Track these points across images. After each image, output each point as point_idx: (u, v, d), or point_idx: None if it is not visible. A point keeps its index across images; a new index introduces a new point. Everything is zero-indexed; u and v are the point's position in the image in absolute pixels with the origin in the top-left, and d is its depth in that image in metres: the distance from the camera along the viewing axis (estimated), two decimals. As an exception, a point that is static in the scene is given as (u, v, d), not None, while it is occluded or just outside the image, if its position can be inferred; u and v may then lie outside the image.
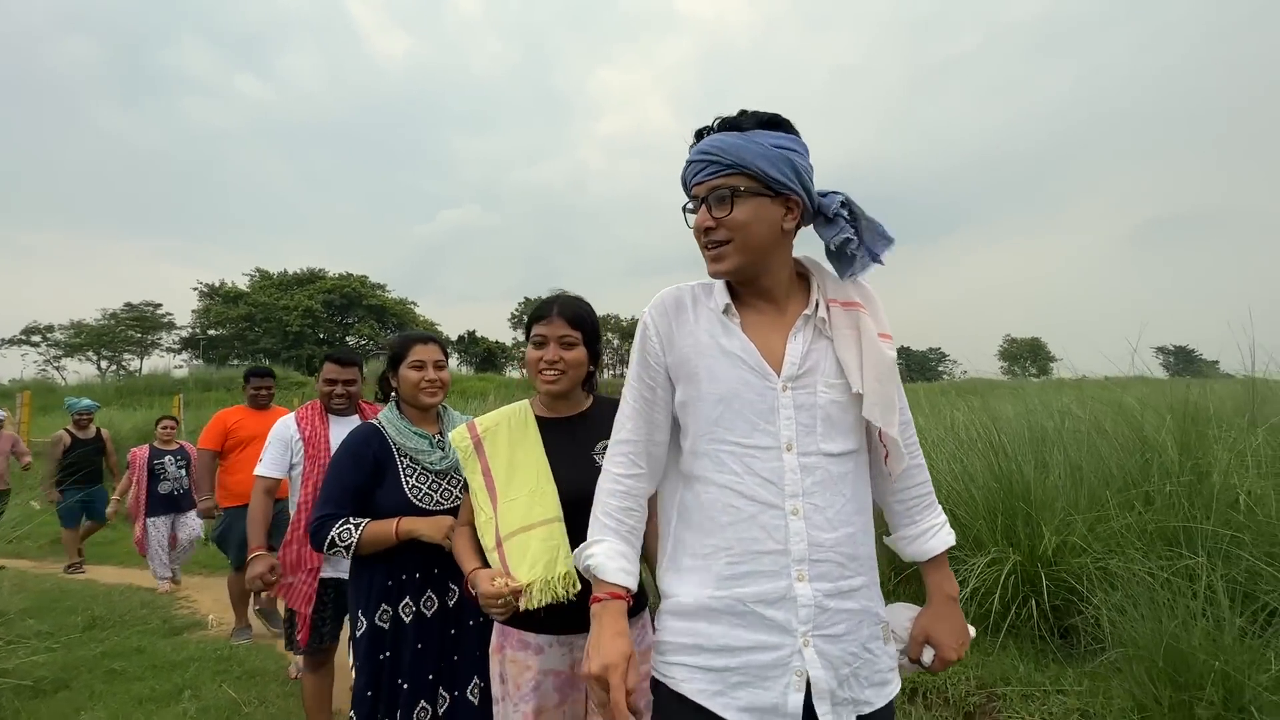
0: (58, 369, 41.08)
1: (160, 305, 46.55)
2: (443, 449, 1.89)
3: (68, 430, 6.18)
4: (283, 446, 2.44)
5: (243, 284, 45.40)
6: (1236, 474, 2.91)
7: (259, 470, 2.45)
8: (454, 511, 1.78)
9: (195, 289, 45.47)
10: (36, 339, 43.45)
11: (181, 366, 36.86)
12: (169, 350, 46.51)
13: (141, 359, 45.44)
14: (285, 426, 2.46)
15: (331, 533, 1.69)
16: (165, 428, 5.70)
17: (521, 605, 1.38)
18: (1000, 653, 2.83)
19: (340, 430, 2.36)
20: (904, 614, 1.20)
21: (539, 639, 1.45)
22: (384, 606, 1.73)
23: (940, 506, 1.23)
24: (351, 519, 1.72)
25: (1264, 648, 2.20)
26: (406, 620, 1.73)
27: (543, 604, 1.37)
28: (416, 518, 1.73)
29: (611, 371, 60.67)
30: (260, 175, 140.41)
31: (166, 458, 5.42)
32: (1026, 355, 64.07)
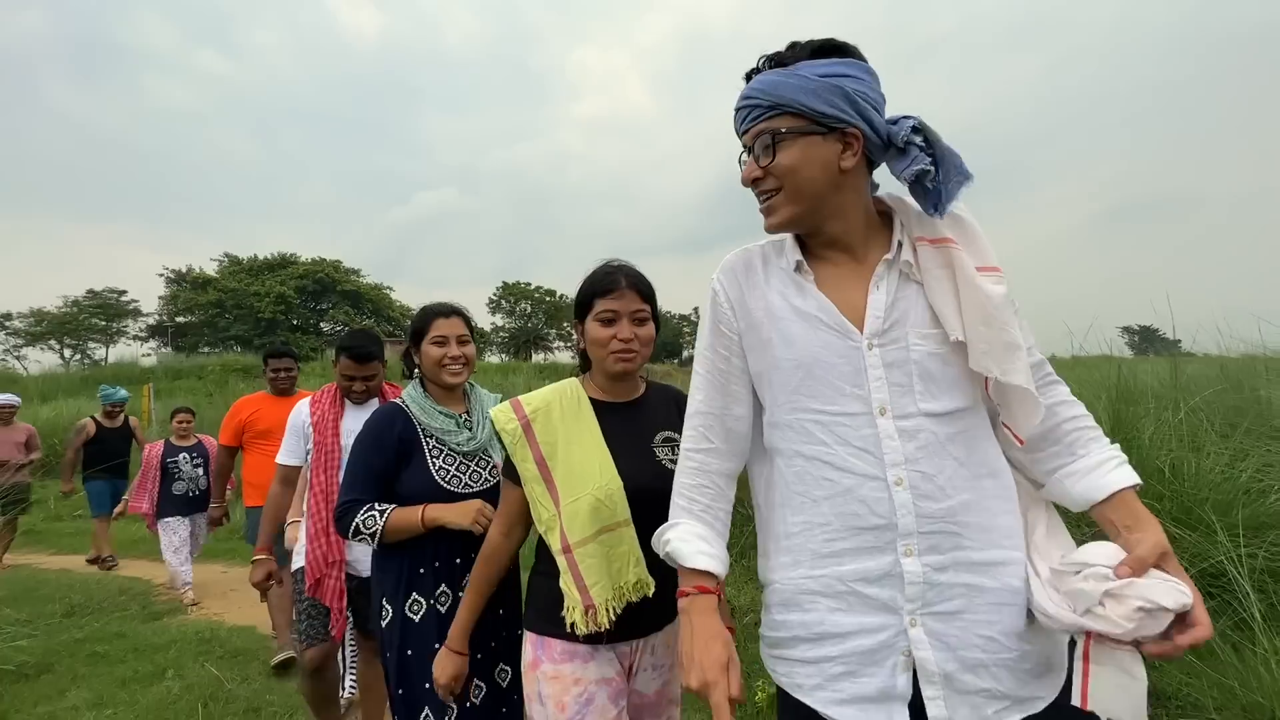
0: (18, 359, 39.78)
1: (125, 292, 45.20)
2: (470, 429, 1.78)
3: (94, 419, 5.95)
4: (297, 433, 2.33)
5: (211, 269, 44.28)
6: (1163, 447, 3.16)
7: (278, 458, 2.36)
8: (484, 495, 1.69)
9: (161, 275, 44.27)
10: (-6, 327, 41.95)
11: (149, 355, 35.94)
12: (135, 338, 45.31)
13: (107, 347, 44.20)
14: (299, 412, 2.35)
15: (356, 519, 1.60)
16: (181, 421, 5.14)
17: (582, 626, 1.22)
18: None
19: (358, 416, 2.25)
20: (1100, 553, 0.86)
21: (585, 646, 1.27)
22: (415, 596, 1.62)
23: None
24: (376, 505, 1.62)
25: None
26: (443, 610, 1.61)
27: (613, 617, 1.22)
28: (442, 505, 1.62)
29: (591, 356, 60.40)
30: (227, 156, 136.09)
31: (181, 455, 4.94)
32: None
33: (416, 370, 1.85)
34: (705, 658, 0.91)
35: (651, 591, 1.25)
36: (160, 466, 4.92)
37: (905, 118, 0.95)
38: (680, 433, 1.13)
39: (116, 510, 5.65)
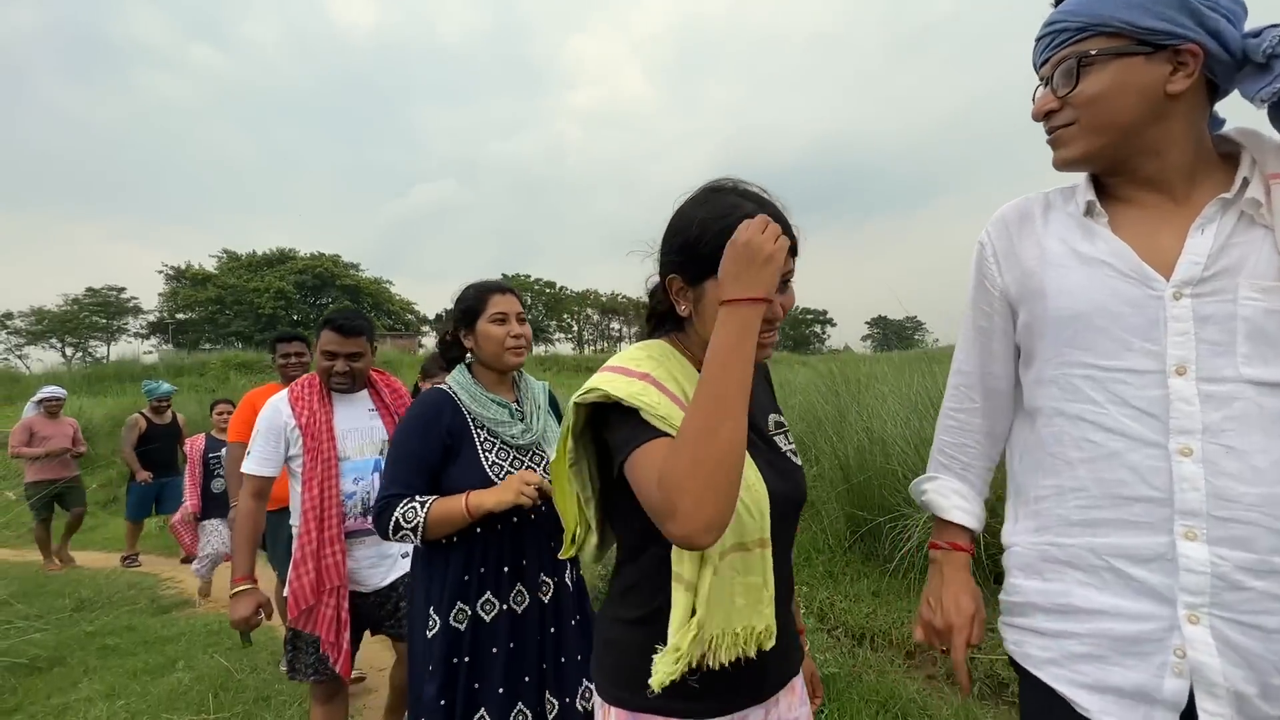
0: (20, 357, 39.87)
1: (124, 289, 45.33)
2: (523, 419, 1.62)
3: (143, 414, 5.71)
4: (274, 435, 1.95)
5: (210, 266, 44.26)
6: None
7: (245, 467, 1.95)
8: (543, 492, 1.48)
9: (161, 271, 44.29)
10: (-5, 327, 42.03)
11: (151, 352, 36.04)
12: (136, 335, 45.42)
13: (108, 345, 44.30)
14: (275, 411, 1.97)
15: (396, 514, 1.42)
16: (221, 413, 4.71)
17: (675, 667, 0.83)
18: (941, 598, 3.09)
19: (348, 412, 2.03)
20: None
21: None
22: (459, 605, 1.47)
23: None
24: (417, 497, 1.45)
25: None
26: (487, 618, 1.47)
27: (726, 661, 0.86)
28: (483, 490, 1.45)
29: (592, 347, 60.69)
30: (223, 151, 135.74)
31: (224, 450, 4.23)
32: (999, 322, 65.33)
33: (468, 356, 1.66)
34: (954, 605, 0.91)
35: (774, 643, 0.89)
36: (202, 462, 4.54)
37: (1271, 27, 0.78)
38: (778, 411, 1.06)
39: (175, 517, 4.94)
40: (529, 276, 57.85)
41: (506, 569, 1.50)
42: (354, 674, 2.94)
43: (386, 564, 2.02)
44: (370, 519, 1.55)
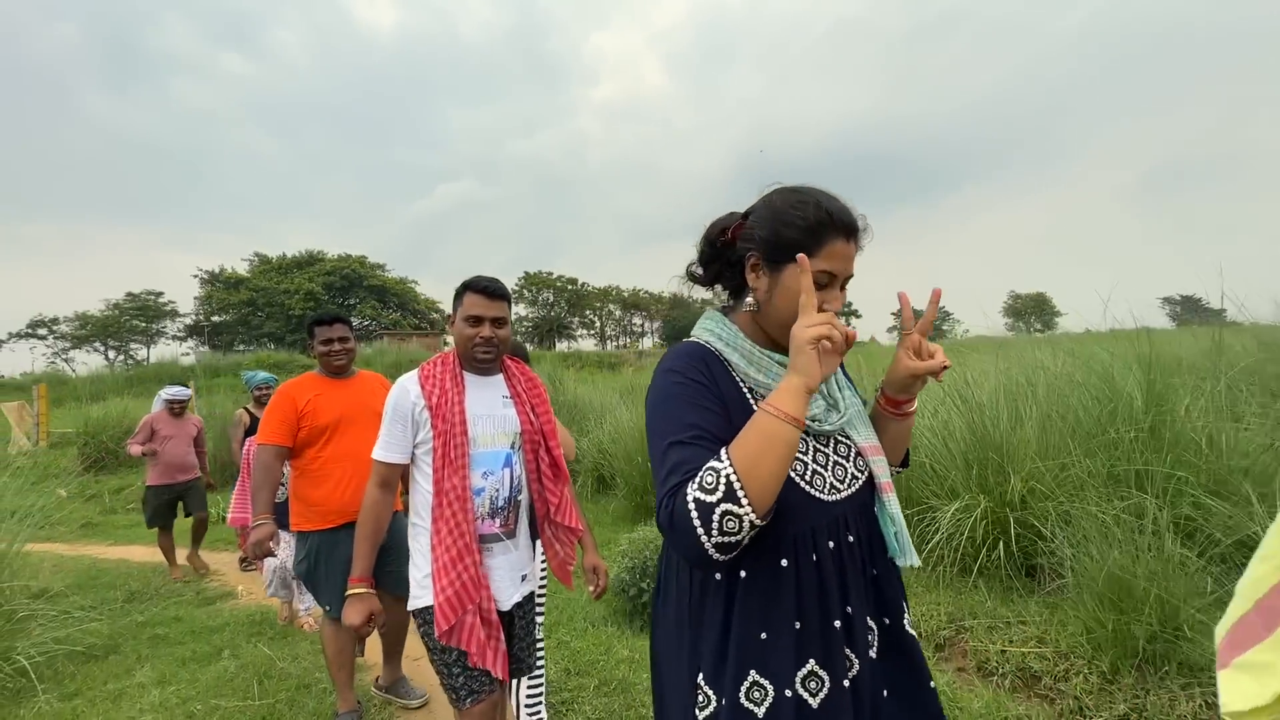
0: (66, 361, 41.56)
1: (162, 293, 46.84)
2: (827, 396, 1.07)
3: (247, 410, 5.08)
4: (404, 420, 1.70)
5: (242, 269, 45.47)
6: (1201, 419, 3.09)
7: (376, 453, 1.73)
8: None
9: (196, 276, 45.62)
10: (43, 332, 43.90)
11: (188, 354, 37.22)
12: (174, 338, 46.96)
13: (148, 348, 45.89)
14: (403, 391, 1.72)
15: (690, 496, 0.87)
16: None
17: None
18: (971, 591, 3.07)
19: (480, 396, 1.76)
20: None
21: None
22: (754, 676, 0.94)
23: None
24: (718, 460, 0.88)
25: (1202, 574, 2.42)
26: (814, 700, 0.93)
27: None
28: (788, 375, 0.91)
29: (615, 343, 60.84)
30: (253, 156, 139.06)
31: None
32: (1031, 311, 63.90)
33: (748, 301, 1.06)
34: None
35: None
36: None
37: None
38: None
39: (230, 519, 4.44)
40: (550, 273, 58.19)
41: (837, 621, 0.96)
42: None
43: (516, 576, 1.75)
44: (662, 524, 0.92)
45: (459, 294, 1.80)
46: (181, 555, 5.43)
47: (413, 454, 1.73)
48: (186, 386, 5.56)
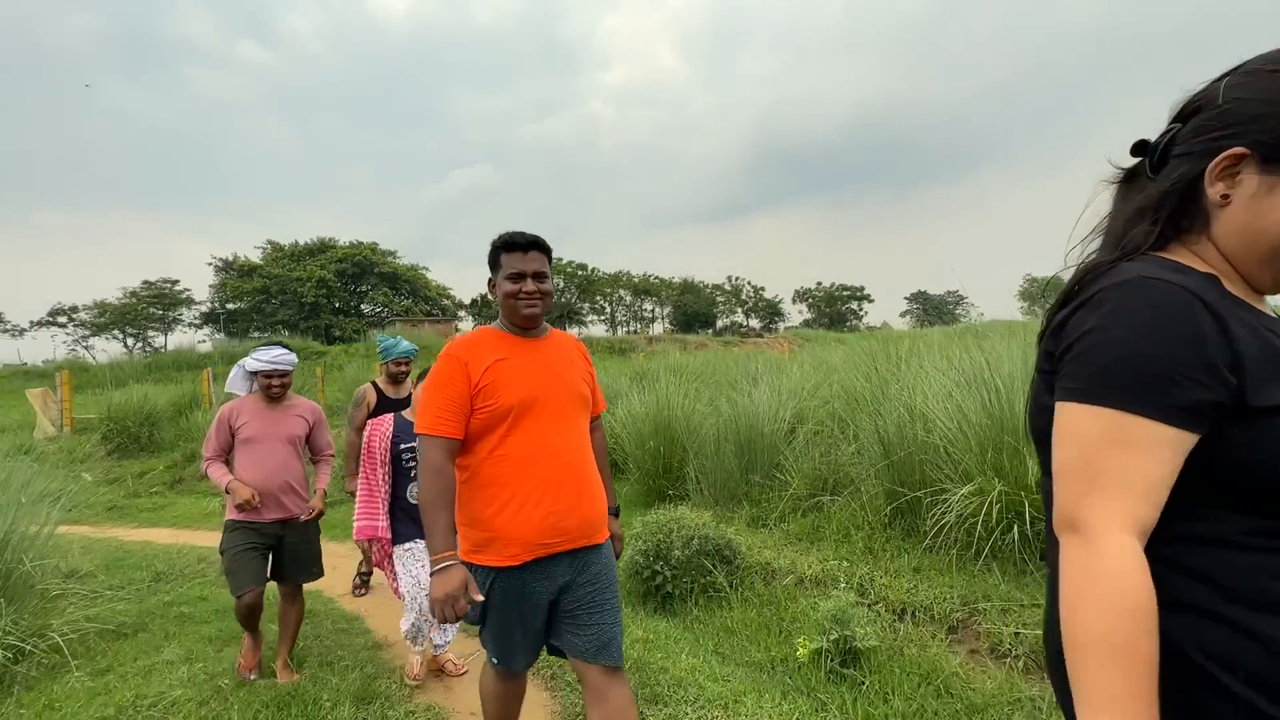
0: (86, 349, 42.31)
1: (178, 281, 47.38)
2: None
3: (375, 385, 3.90)
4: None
5: (256, 257, 45.83)
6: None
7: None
8: None
9: (210, 264, 46.02)
10: (63, 320, 44.70)
11: (205, 341, 37.74)
12: (191, 325, 47.57)
13: (165, 335, 46.57)
14: None
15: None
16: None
17: None
18: (984, 574, 3.07)
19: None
20: None
21: None
22: None
23: None
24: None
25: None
26: None
27: None
28: None
29: (625, 329, 60.83)
30: (268, 144, 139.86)
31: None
32: (1048, 294, 62.94)
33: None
34: None
35: None
36: (391, 456, 2.90)
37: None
38: None
39: (357, 530, 2.91)
40: (561, 259, 58.11)
41: None
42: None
43: None
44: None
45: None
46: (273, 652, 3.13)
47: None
48: (287, 348, 3.09)
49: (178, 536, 6.39)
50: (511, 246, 1.79)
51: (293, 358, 3.07)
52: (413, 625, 2.85)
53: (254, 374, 3.03)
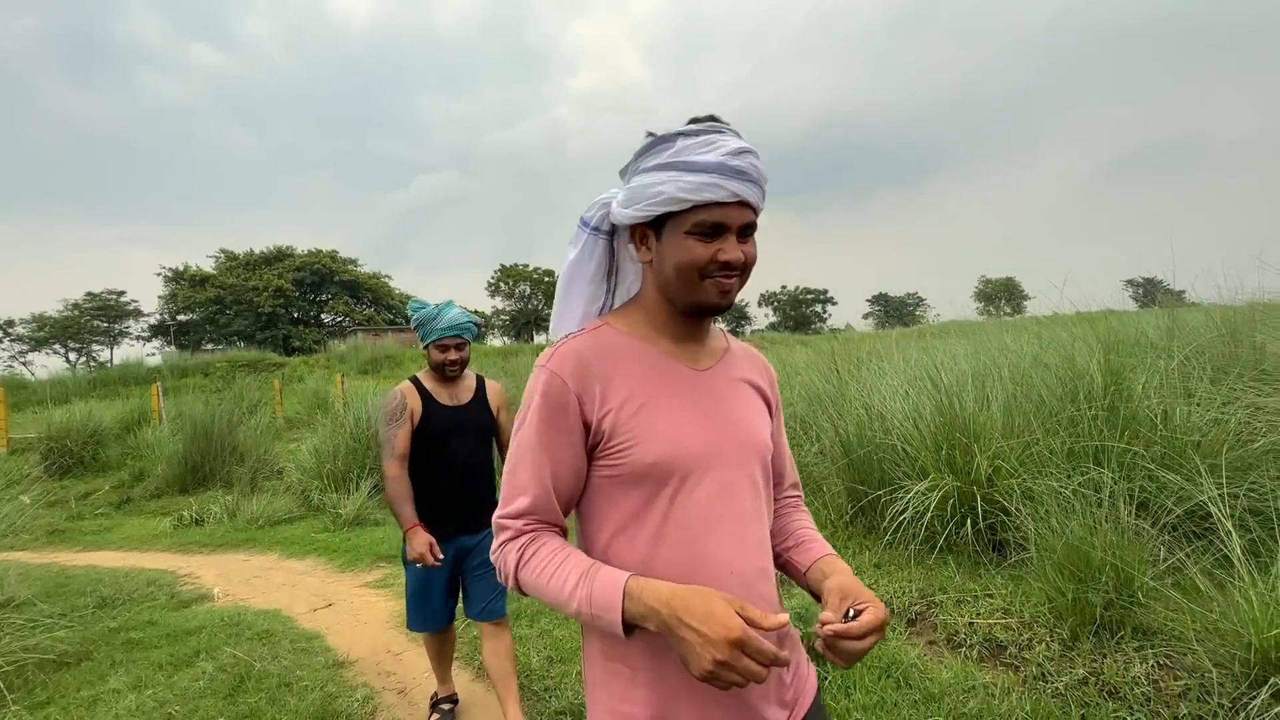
0: (25, 364, 40.09)
1: (124, 292, 45.33)
2: None
3: (417, 381, 2.53)
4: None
5: (208, 266, 44.23)
6: (1155, 396, 3.23)
7: None
8: None
9: (159, 274, 44.22)
10: (-2, 335, 42.27)
11: (154, 354, 36.17)
12: (139, 338, 45.58)
13: (111, 349, 44.48)
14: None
15: None
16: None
17: None
18: (940, 567, 3.17)
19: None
20: None
21: None
22: None
23: None
24: None
25: (1155, 543, 2.54)
26: None
27: None
28: None
29: (593, 334, 60.46)
30: (222, 150, 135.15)
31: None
32: (1001, 295, 65.39)
33: None
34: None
35: None
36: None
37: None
38: None
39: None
40: (527, 265, 57.73)
41: None
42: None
43: None
44: None
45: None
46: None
47: None
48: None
49: (125, 559, 6.10)
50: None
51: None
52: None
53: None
